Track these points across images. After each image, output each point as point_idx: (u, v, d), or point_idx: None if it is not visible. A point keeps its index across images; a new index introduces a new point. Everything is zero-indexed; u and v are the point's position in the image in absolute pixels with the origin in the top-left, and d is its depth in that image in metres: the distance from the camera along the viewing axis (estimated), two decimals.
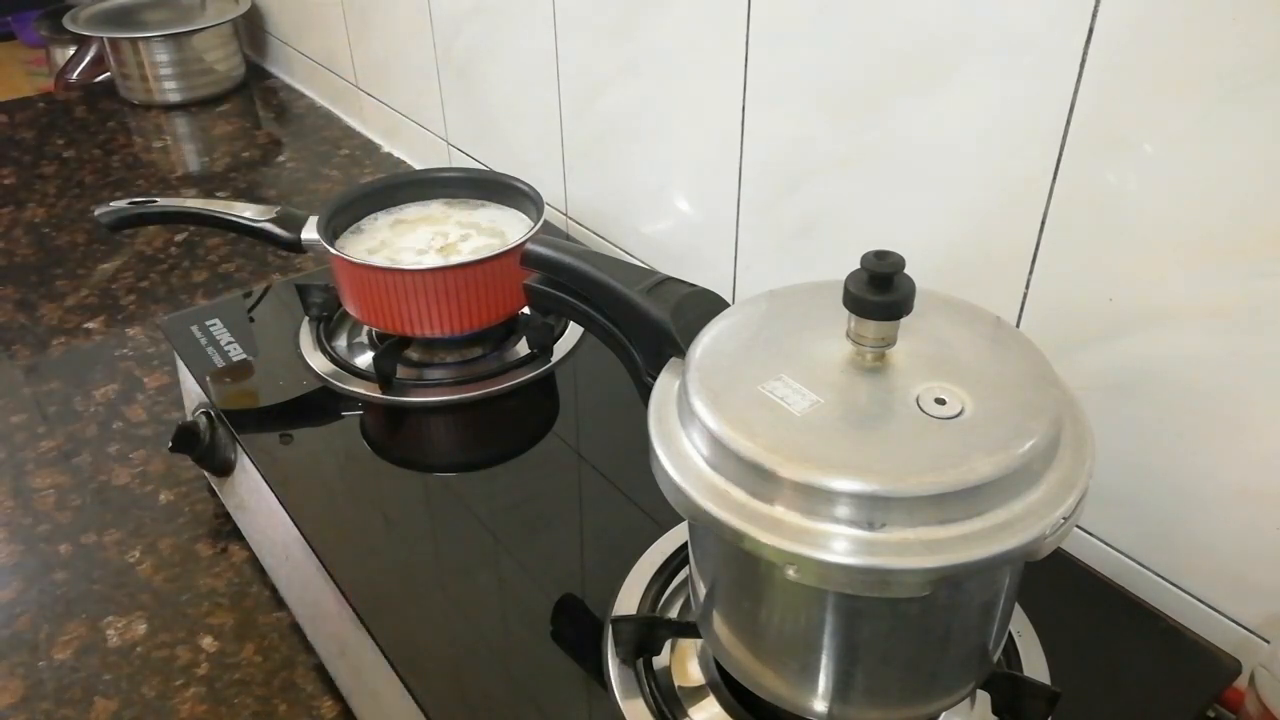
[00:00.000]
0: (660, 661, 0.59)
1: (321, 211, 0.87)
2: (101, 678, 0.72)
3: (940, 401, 0.45)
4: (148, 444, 0.93)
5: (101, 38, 1.65)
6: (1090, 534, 0.69)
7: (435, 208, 0.94)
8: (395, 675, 0.59)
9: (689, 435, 0.47)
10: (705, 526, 0.45)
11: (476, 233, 0.90)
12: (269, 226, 0.86)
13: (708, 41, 0.83)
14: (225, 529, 0.84)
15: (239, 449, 0.79)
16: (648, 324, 0.55)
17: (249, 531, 0.81)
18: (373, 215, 0.92)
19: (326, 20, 1.50)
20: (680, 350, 0.52)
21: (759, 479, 0.43)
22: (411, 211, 0.93)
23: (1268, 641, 0.62)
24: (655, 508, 0.69)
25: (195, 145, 1.56)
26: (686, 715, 0.57)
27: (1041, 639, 0.60)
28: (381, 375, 0.83)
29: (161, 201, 0.89)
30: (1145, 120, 0.57)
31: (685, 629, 0.59)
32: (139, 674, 0.72)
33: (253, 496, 0.78)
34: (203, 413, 0.85)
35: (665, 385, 0.52)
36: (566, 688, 0.59)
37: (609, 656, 0.59)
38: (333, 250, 0.83)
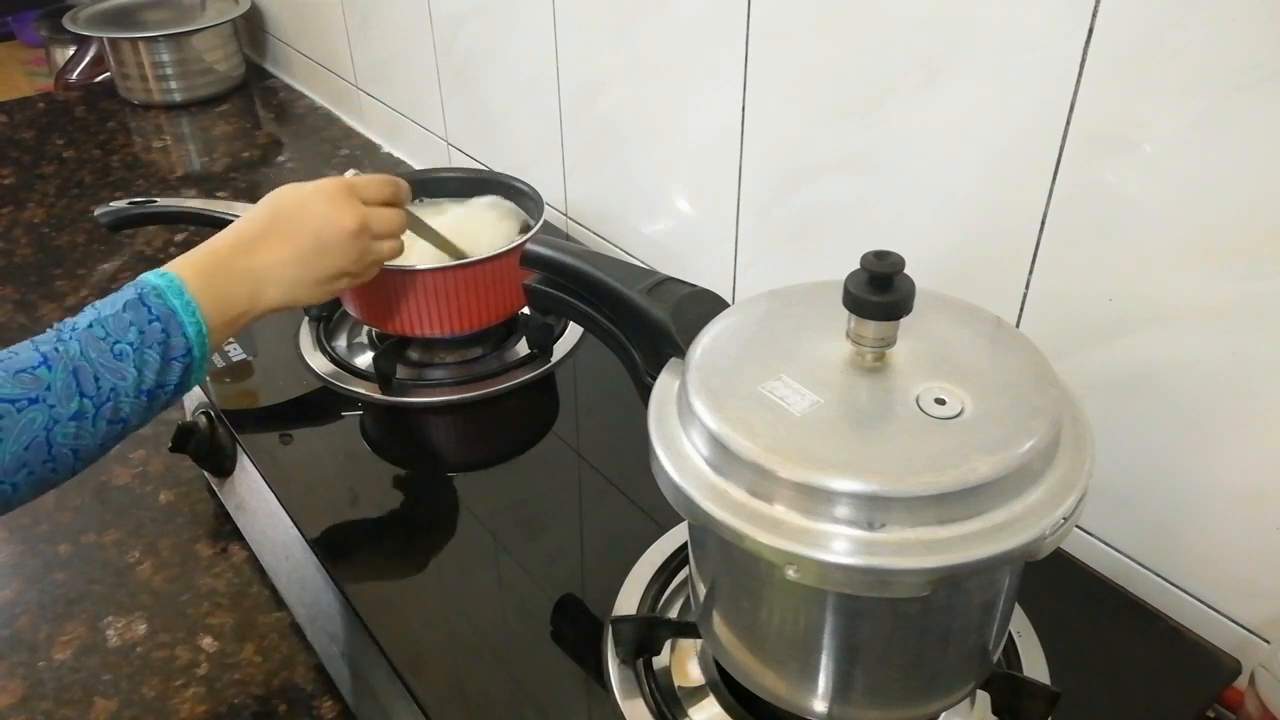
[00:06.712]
0: (660, 661, 0.59)
1: None
2: (101, 678, 0.72)
3: (940, 401, 0.45)
4: (148, 444, 0.93)
5: (101, 38, 1.65)
6: (1090, 534, 0.69)
7: (435, 207, 0.94)
8: (395, 675, 0.59)
9: (689, 435, 0.47)
10: (705, 526, 0.45)
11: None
12: None
13: (708, 41, 0.83)
14: (225, 529, 0.84)
15: (239, 449, 0.79)
16: (648, 324, 0.55)
17: (249, 531, 0.81)
18: None
19: (326, 20, 1.49)
20: (680, 350, 0.52)
21: (759, 479, 0.43)
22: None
23: (1268, 642, 0.62)
24: (655, 508, 0.69)
25: (195, 145, 1.56)
26: (686, 715, 0.57)
27: (1041, 639, 0.60)
28: (381, 375, 0.83)
29: (161, 201, 0.89)
30: (1145, 120, 0.57)
31: (685, 629, 0.59)
32: (139, 674, 0.72)
33: (253, 496, 0.78)
34: (203, 413, 0.85)
35: (665, 385, 0.52)
36: (566, 688, 0.59)
37: (609, 656, 0.59)
38: None
